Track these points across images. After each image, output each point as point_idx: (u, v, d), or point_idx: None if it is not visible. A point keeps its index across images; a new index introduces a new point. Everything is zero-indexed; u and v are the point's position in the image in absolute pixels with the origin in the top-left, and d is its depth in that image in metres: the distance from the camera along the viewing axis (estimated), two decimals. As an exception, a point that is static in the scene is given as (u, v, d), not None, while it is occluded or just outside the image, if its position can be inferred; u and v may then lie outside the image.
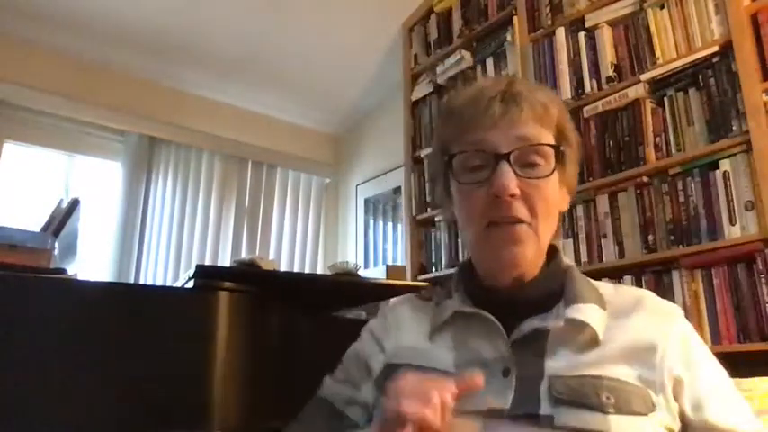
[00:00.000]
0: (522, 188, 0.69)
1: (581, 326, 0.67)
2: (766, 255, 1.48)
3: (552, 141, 0.73)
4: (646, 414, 0.62)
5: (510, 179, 0.68)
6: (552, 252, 0.77)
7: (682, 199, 1.69)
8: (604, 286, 0.76)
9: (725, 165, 1.61)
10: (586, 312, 0.68)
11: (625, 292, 0.75)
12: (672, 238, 1.69)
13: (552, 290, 0.73)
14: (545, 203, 0.71)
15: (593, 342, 0.67)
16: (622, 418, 0.60)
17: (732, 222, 1.57)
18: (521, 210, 0.70)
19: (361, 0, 2.72)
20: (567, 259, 0.79)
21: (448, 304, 0.76)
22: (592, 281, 0.77)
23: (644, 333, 0.67)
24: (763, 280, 1.48)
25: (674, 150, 1.73)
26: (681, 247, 1.66)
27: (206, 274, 1.16)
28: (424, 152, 2.62)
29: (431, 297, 0.83)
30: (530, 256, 0.71)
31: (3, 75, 2.72)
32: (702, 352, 0.70)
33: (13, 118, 2.90)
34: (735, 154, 1.60)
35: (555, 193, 0.73)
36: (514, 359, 0.67)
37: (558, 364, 0.65)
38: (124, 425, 1.00)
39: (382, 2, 2.77)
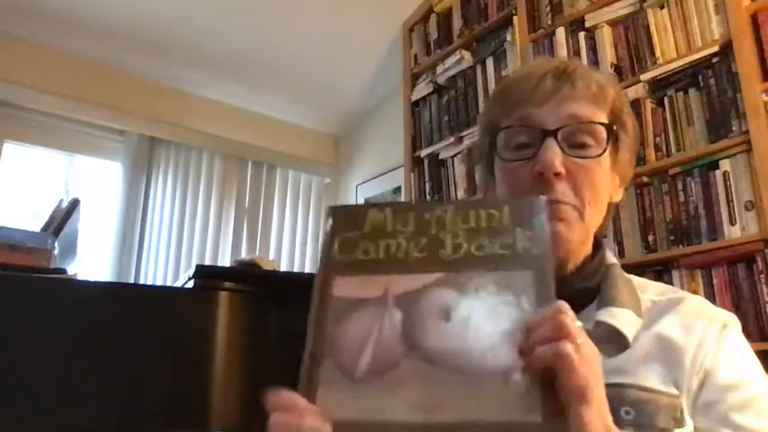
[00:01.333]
0: (568, 167, 0.64)
1: (610, 330, 0.62)
2: (766, 255, 1.48)
3: (606, 121, 0.68)
4: (670, 430, 0.57)
5: (555, 155, 0.64)
6: (597, 247, 0.72)
7: (682, 199, 1.69)
8: (652, 288, 0.70)
9: (725, 165, 1.61)
10: (619, 317, 0.63)
11: (673, 294, 0.69)
12: (672, 238, 1.69)
13: (589, 288, 0.68)
14: (593, 187, 0.66)
15: (623, 346, 0.62)
16: None
17: (732, 222, 1.57)
18: (566, 192, 0.64)
19: (361, 0, 2.72)
20: (613, 257, 0.74)
21: None
22: (638, 281, 0.72)
23: (679, 333, 0.63)
24: (763, 280, 1.48)
25: (674, 150, 1.73)
26: (681, 247, 1.66)
27: (206, 274, 1.16)
28: (424, 152, 2.62)
29: None
30: (574, 240, 0.66)
31: (3, 75, 2.72)
32: (748, 360, 0.64)
33: (13, 118, 2.90)
34: (735, 154, 1.60)
35: (605, 179, 0.68)
36: None
37: None
38: (124, 425, 1.00)
39: (382, 2, 2.77)
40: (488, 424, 0.45)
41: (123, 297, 1.14)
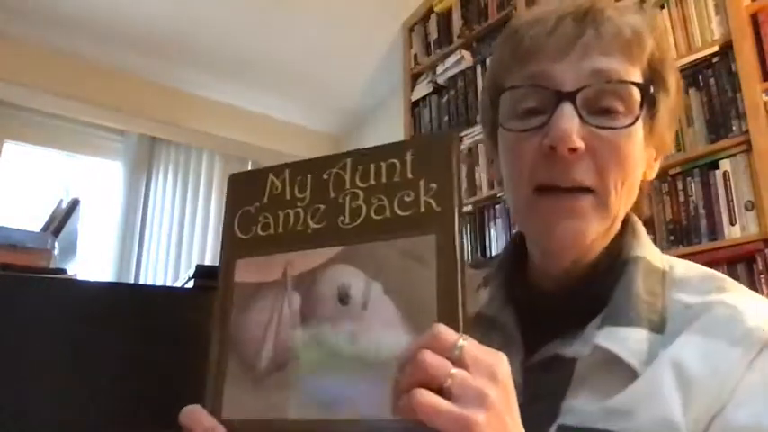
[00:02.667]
0: (588, 141, 0.49)
1: (613, 358, 0.48)
2: (766, 255, 1.48)
3: (640, 80, 0.52)
4: None
5: (572, 125, 0.49)
6: (622, 235, 0.56)
7: (682, 199, 1.69)
8: (697, 285, 0.52)
9: (725, 165, 1.61)
10: (623, 340, 0.49)
11: (716, 294, 0.51)
12: (672, 238, 1.69)
13: (600, 292, 0.52)
14: (622, 166, 0.50)
15: (630, 376, 0.48)
16: None
17: (732, 222, 1.57)
18: (584, 172, 0.50)
19: (361, 0, 2.72)
20: (642, 247, 0.55)
21: (480, 296, 0.60)
22: (681, 273, 0.54)
23: (694, 357, 0.47)
24: (763, 280, 1.48)
25: (673, 150, 1.73)
26: (681, 247, 1.66)
27: (206, 274, 1.16)
28: (424, 152, 2.61)
29: (477, 267, 0.67)
30: (592, 235, 0.51)
31: (3, 75, 2.72)
32: None
33: (13, 118, 2.90)
34: (735, 154, 1.59)
35: (636, 153, 0.52)
36: (527, 389, 0.50)
37: (580, 406, 0.48)
38: (123, 425, 1.00)
39: (382, 2, 2.77)
40: (387, 422, 0.39)
41: (123, 297, 1.14)
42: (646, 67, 0.53)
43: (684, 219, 1.67)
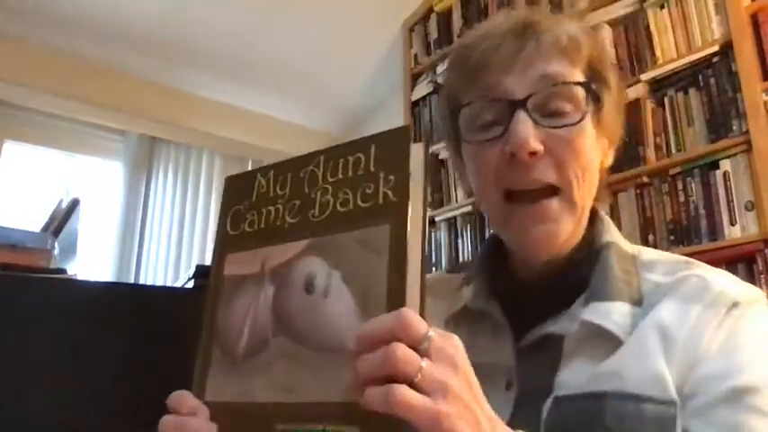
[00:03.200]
0: (545, 142, 0.54)
1: (598, 330, 0.53)
2: (766, 255, 1.48)
3: (582, 80, 0.57)
4: None
5: (528, 131, 0.53)
6: (592, 225, 0.61)
7: (682, 199, 1.69)
8: (663, 266, 0.58)
9: (725, 165, 1.61)
10: (607, 313, 0.54)
11: (685, 270, 0.57)
12: (672, 238, 1.69)
13: (578, 279, 0.57)
14: (578, 160, 0.55)
15: (616, 344, 0.53)
16: None
17: (732, 222, 1.57)
18: (546, 171, 0.54)
19: (361, 0, 2.72)
20: (611, 233, 0.61)
21: (463, 293, 0.64)
22: (648, 258, 0.60)
23: (673, 319, 0.52)
24: (763, 280, 1.48)
25: (674, 150, 1.73)
26: (681, 246, 1.66)
27: (206, 274, 1.16)
28: (424, 152, 2.62)
29: (453, 271, 0.71)
30: (564, 234, 0.56)
31: (3, 75, 2.72)
32: (755, 345, 0.51)
33: (13, 118, 2.90)
34: (735, 154, 1.59)
35: (591, 146, 0.57)
36: (520, 370, 0.55)
37: (571, 378, 0.53)
38: (123, 425, 0.99)
39: (382, 2, 2.77)
40: (331, 405, 0.42)
41: (123, 297, 1.14)
42: (586, 67, 0.58)
43: (684, 219, 1.67)
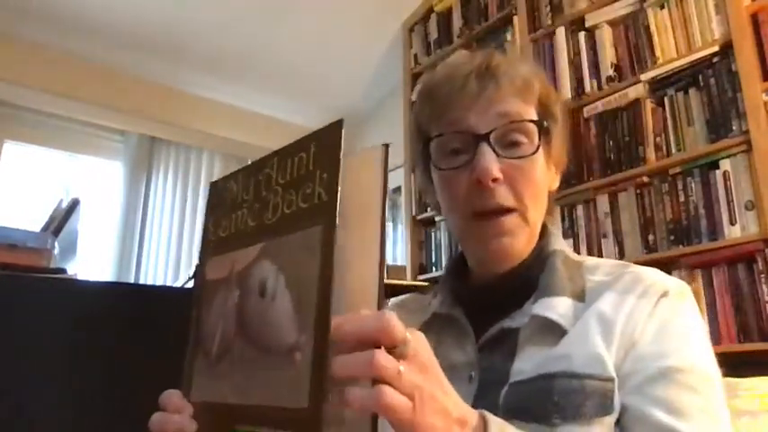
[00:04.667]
0: (505, 171, 0.64)
1: (545, 322, 0.61)
2: (766, 255, 1.48)
3: (535, 117, 0.67)
4: (598, 417, 0.55)
5: (491, 162, 0.63)
6: (542, 237, 0.71)
7: (682, 199, 1.69)
8: (604, 268, 0.68)
9: (725, 165, 1.61)
10: (552, 307, 0.62)
11: (622, 269, 0.66)
12: (672, 237, 1.69)
13: (530, 281, 0.66)
14: (532, 186, 0.66)
15: (561, 333, 0.60)
16: (567, 428, 0.54)
17: (732, 222, 1.57)
18: (506, 196, 0.64)
19: (361, 0, 2.72)
20: (559, 243, 0.71)
21: (432, 305, 0.73)
22: (592, 263, 0.69)
23: (611, 308, 0.60)
24: (763, 280, 1.48)
25: (674, 150, 1.73)
26: (681, 246, 1.66)
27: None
28: (424, 152, 2.62)
29: (423, 292, 0.80)
30: (520, 246, 0.66)
31: (3, 75, 2.72)
32: (682, 330, 0.60)
33: (13, 118, 2.90)
34: (735, 154, 1.60)
35: (542, 173, 0.68)
36: (481, 363, 0.63)
37: (525, 365, 0.60)
38: (123, 425, 1.00)
39: (382, 2, 2.77)
40: (265, 408, 0.43)
41: (123, 297, 1.14)
42: (537, 103, 0.68)
43: (684, 219, 1.67)
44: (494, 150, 0.64)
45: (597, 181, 1.89)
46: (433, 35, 2.73)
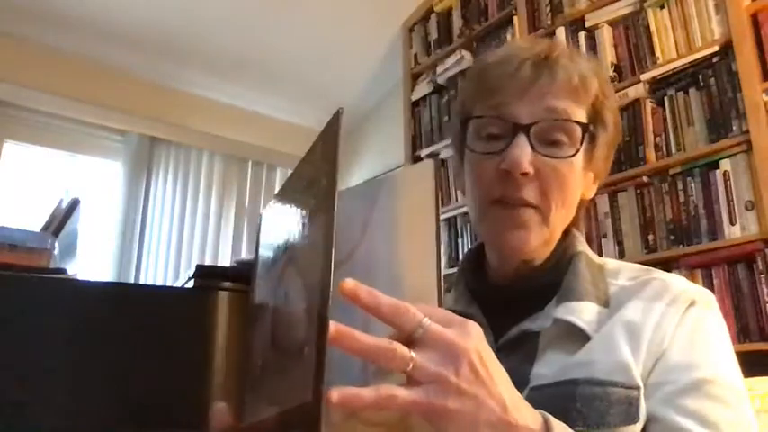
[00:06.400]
0: (537, 166, 0.60)
1: (569, 326, 0.59)
2: (766, 255, 1.48)
3: (584, 120, 0.63)
4: (623, 425, 0.54)
5: (524, 154, 0.59)
6: (565, 239, 0.68)
7: (682, 199, 1.69)
8: (627, 272, 0.65)
9: (725, 165, 1.61)
10: (577, 311, 0.60)
11: (646, 275, 0.64)
12: (672, 238, 1.69)
13: (552, 283, 0.64)
14: (561, 188, 0.62)
15: (585, 339, 0.59)
16: None
17: (732, 222, 1.57)
18: (531, 192, 0.61)
19: (361, 0, 2.72)
20: (582, 245, 0.68)
21: (446, 300, 0.68)
22: (614, 266, 0.67)
23: (639, 316, 0.59)
24: (763, 280, 1.48)
25: (674, 150, 1.73)
26: (681, 246, 1.66)
27: (206, 274, 1.16)
28: (424, 152, 2.62)
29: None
30: (534, 244, 0.63)
31: (3, 75, 2.72)
32: (709, 341, 0.59)
33: (13, 118, 2.90)
34: (735, 154, 1.60)
35: (576, 178, 0.64)
36: None
37: (545, 370, 0.58)
38: (123, 425, 1.00)
39: (382, 2, 2.77)
40: (285, 412, 0.42)
41: (123, 297, 1.14)
42: (590, 107, 0.64)
43: (684, 219, 1.67)
44: (530, 144, 0.60)
45: (597, 181, 1.89)
46: (433, 35, 2.72)
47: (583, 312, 0.60)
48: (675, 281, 0.63)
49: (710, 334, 0.59)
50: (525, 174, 0.60)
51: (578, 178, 0.64)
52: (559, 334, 0.60)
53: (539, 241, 0.63)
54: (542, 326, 0.61)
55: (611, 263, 0.68)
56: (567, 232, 0.69)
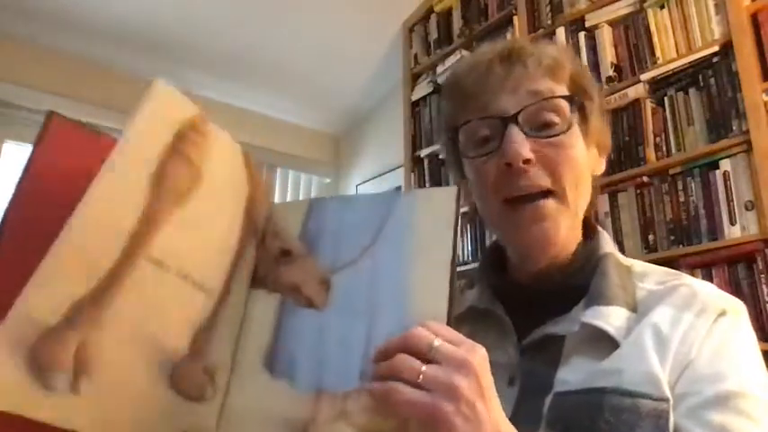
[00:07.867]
0: (537, 150, 0.59)
1: (597, 332, 0.57)
2: (766, 255, 1.48)
3: (567, 93, 0.62)
4: None
5: (521, 142, 0.58)
6: (590, 235, 0.66)
7: (682, 199, 1.69)
8: (655, 276, 0.63)
9: (725, 165, 1.61)
10: (605, 316, 0.57)
11: (674, 280, 0.62)
12: (672, 238, 1.69)
13: (579, 285, 0.61)
14: (569, 165, 0.60)
15: (613, 345, 0.56)
16: None
17: (732, 222, 1.57)
18: (540, 177, 0.59)
19: (361, 0, 2.72)
20: (609, 246, 0.66)
21: (466, 296, 0.69)
22: (641, 268, 0.65)
23: (667, 325, 0.56)
24: (763, 280, 1.48)
25: (674, 150, 1.73)
26: (681, 246, 1.66)
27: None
28: (424, 152, 2.62)
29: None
30: (563, 231, 0.61)
31: (3, 75, 2.72)
32: (740, 351, 0.56)
33: (13, 118, 2.90)
34: (735, 154, 1.59)
35: (579, 153, 0.62)
36: (522, 367, 0.59)
37: (571, 375, 0.56)
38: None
39: (382, 2, 2.77)
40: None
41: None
42: (569, 81, 0.64)
43: (684, 219, 1.67)
44: (523, 131, 0.59)
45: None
46: (433, 35, 2.72)
47: (612, 317, 0.57)
48: (705, 288, 0.61)
49: (739, 345, 0.57)
50: (528, 161, 0.58)
51: (582, 152, 0.63)
52: (587, 339, 0.57)
53: (566, 227, 0.61)
54: (568, 329, 0.58)
55: (638, 265, 0.66)
56: (593, 230, 0.67)
